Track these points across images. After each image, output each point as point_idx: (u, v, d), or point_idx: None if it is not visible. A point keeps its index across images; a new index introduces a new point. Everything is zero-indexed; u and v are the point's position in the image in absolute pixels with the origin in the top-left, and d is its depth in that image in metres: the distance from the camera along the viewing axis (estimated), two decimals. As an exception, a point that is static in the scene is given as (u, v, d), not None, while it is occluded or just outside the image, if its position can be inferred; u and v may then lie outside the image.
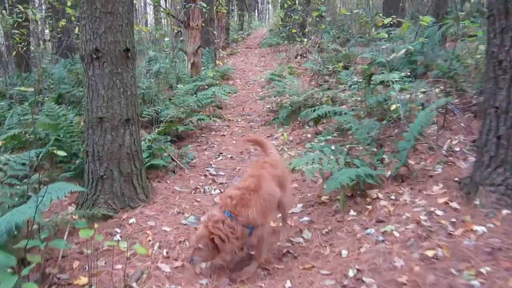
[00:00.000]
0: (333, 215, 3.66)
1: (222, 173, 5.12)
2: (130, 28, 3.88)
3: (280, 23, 17.28)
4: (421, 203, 3.42)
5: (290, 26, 15.83)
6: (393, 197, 3.63)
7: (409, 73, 6.82)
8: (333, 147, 4.31)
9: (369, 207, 3.58)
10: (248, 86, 10.95)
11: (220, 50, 14.03)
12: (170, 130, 6.09)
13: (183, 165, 5.26)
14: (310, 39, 13.71)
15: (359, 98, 6.21)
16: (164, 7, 8.93)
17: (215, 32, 12.74)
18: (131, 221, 3.68)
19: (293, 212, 3.86)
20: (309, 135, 5.96)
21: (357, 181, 3.70)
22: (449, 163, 4.10)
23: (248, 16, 31.70)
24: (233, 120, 7.74)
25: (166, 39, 8.20)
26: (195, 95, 7.95)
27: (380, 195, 3.68)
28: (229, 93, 8.98)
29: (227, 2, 19.63)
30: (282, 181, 3.32)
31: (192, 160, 5.51)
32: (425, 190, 3.61)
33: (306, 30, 13.71)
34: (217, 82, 9.89)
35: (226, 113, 8.26)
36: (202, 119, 6.64)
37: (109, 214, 3.72)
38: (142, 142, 5.13)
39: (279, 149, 5.83)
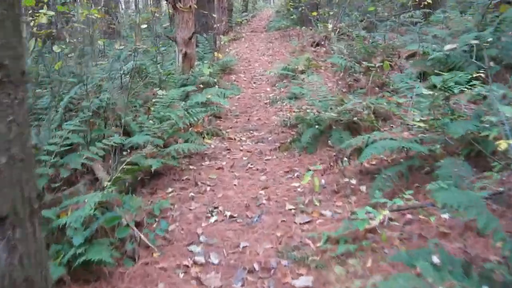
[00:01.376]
0: None
1: (216, 261, 3.03)
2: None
3: (291, 3, 14.98)
4: None
5: (303, 8, 13.57)
6: None
7: (482, 74, 4.73)
8: (435, 259, 2.17)
9: None
10: (254, 83, 8.80)
11: (221, 36, 11.82)
12: (140, 169, 4.02)
13: (151, 243, 3.18)
14: (328, 23, 11.48)
15: (425, 118, 4.07)
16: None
17: (214, 15, 10.54)
18: None
19: None
20: (352, 181, 3.86)
21: None
22: None
23: (252, -4, 29.29)
24: (235, 139, 5.62)
25: (143, 26, 6.06)
26: (184, 102, 5.87)
27: None
28: (229, 96, 6.85)
29: (230, -21, 17.32)
30: None
31: (167, 228, 3.43)
32: None
33: (331, 12, 11.35)
34: (215, 80, 7.74)
35: (226, 126, 6.14)
36: (188, 148, 4.52)
37: None
38: (88, 199, 3.06)
39: (306, 201, 3.74)
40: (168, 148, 4.46)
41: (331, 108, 5.23)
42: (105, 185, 3.30)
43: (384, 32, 9.61)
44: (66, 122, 4.51)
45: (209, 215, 3.71)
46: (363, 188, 3.79)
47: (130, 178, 3.96)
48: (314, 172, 4.04)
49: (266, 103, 7.21)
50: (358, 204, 3.56)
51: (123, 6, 19.03)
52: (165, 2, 11.84)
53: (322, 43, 10.38)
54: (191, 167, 4.74)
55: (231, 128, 6.04)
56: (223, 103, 6.03)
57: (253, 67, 10.29)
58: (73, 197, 3.44)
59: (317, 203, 3.69)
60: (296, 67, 8.43)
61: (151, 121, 5.08)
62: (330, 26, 8.95)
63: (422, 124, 3.61)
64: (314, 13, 10.39)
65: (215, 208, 3.82)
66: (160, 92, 5.43)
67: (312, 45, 10.65)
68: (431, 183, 2.98)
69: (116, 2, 14.49)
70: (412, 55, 7.71)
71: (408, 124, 4.50)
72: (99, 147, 3.72)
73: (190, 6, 7.67)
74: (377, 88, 6.52)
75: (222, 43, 11.52)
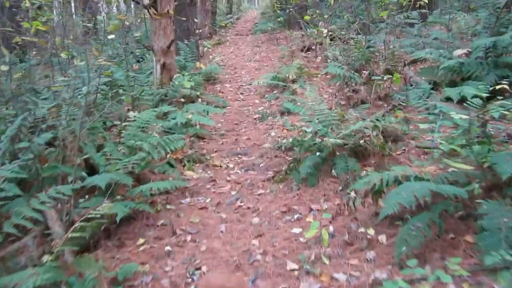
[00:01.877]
0: None
1: None
2: None
3: (277, 5, 14.24)
4: None
5: (290, 10, 12.83)
6: None
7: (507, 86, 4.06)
8: None
9: None
10: (241, 93, 8.01)
11: (204, 42, 11.00)
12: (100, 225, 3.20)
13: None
14: (318, 26, 10.73)
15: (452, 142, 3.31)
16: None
17: (196, 19, 9.72)
18: None
19: None
20: (369, 232, 3.08)
21: None
22: None
23: (237, -3, 28.54)
24: (221, 166, 4.83)
25: (110, 36, 5.24)
26: (162, 121, 5.09)
27: None
28: (214, 112, 6.05)
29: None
30: None
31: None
32: None
33: (325, 15, 10.42)
34: (198, 92, 6.95)
35: (211, 148, 5.34)
36: (163, 188, 3.71)
37: None
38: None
39: (311, 257, 2.96)
40: (139, 187, 3.65)
41: (332, 129, 4.46)
42: (45, 260, 2.47)
43: (381, 34, 8.91)
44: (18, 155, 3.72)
45: (190, 279, 2.91)
46: (382, 238, 3.03)
47: (90, 230, 3.14)
48: (319, 216, 3.27)
49: (255, 119, 6.43)
50: (379, 263, 2.79)
51: (106, 11, 17.99)
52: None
53: (313, 47, 9.63)
54: (168, 206, 3.93)
55: (216, 151, 5.24)
56: (206, 122, 5.23)
57: (239, 75, 9.50)
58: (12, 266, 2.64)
59: (326, 261, 2.91)
60: (286, 75, 7.67)
61: (121, 149, 4.28)
62: (324, 30, 8.16)
63: (458, 165, 2.84)
64: (307, 17, 9.56)
65: (197, 269, 3.02)
66: (131, 114, 4.61)
67: (302, 50, 9.91)
68: (489, 254, 2.22)
69: (92, 9, 13.60)
70: (414, 61, 6.99)
71: (426, 148, 3.77)
72: (46, 198, 2.88)
73: (167, 11, 6.86)
74: (380, 101, 5.79)
75: (205, 49, 10.72)
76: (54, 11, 12.70)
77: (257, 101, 7.34)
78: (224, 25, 17.24)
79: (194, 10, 10.52)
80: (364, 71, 6.17)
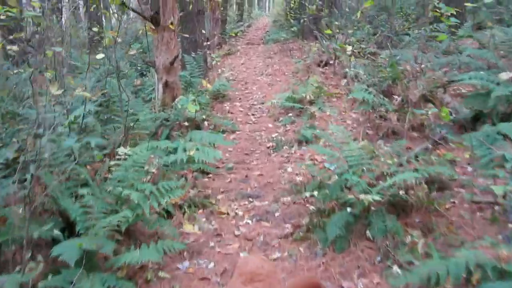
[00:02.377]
0: None
1: None
2: None
3: (291, 14, 13.50)
4: None
5: (305, 20, 12.12)
6: None
7: None
8: None
9: None
10: (253, 115, 7.22)
11: (212, 55, 10.24)
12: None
13: None
14: (332, 37, 9.94)
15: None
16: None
17: (204, 31, 8.97)
18: None
19: None
20: None
21: None
22: None
23: (248, 5, 27.86)
24: (227, 213, 4.02)
25: (99, 56, 4.49)
26: (161, 153, 4.36)
27: None
28: (221, 144, 5.27)
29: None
30: None
31: None
32: None
33: (349, 30, 9.52)
34: (204, 115, 6.19)
35: (217, 187, 4.54)
36: (154, 257, 2.91)
37: None
38: None
39: None
40: (124, 256, 2.86)
41: (363, 171, 3.66)
42: None
43: (406, 49, 8.11)
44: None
45: None
46: None
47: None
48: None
49: (268, 148, 5.63)
50: None
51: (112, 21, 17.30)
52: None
53: (331, 62, 8.81)
54: (160, 274, 3.13)
55: (222, 192, 4.44)
56: (212, 157, 4.45)
57: (250, 92, 8.72)
58: None
59: None
60: (303, 95, 6.87)
61: (106, 196, 3.51)
62: (349, 48, 7.31)
63: None
64: (329, 31, 8.71)
65: None
66: (121, 150, 3.84)
67: (319, 65, 9.10)
68: None
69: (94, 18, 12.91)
70: (448, 82, 6.15)
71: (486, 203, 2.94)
72: None
73: (171, 23, 6.11)
74: (414, 133, 4.97)
75: (213, 62, 9.97)
76: (63, 18, 11.98)
77: (270, 124, 6.55)
78: (234, 34, 16.49)
79: (202, 20, 9.78)
80: (395, 96, 5.36)
